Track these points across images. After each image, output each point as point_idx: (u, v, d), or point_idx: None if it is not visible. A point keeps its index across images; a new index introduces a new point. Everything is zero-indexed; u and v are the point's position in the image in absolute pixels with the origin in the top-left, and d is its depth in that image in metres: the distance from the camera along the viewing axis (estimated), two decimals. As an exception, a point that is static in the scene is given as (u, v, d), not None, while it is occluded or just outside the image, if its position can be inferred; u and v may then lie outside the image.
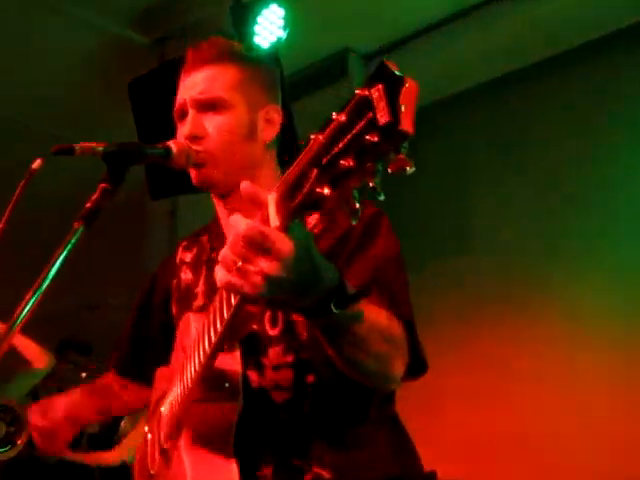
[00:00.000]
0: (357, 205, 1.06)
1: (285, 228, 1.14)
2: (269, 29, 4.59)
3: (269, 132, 1.85)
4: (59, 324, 7.98)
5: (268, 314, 1.62)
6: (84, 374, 5.65)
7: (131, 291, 6.80)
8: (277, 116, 1.88)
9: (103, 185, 1.53)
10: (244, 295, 1.19)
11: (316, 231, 1.24)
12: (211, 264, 1.79)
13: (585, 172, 4.75)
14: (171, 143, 1.70)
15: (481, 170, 5.28)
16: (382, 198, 1.03)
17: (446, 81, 5.35)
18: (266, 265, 1.14)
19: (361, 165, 1.01)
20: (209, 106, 1.77)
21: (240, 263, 1.16)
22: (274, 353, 1.58)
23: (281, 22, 4.58)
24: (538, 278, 4.74)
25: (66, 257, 1.45)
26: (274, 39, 4.60)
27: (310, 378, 1.57)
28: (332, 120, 1.06)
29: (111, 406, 2.09)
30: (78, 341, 5.50)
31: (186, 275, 1.91)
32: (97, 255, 7.05)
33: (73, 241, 1.46)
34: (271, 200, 1.15)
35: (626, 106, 4.70)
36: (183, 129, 1.79)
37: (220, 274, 1.19)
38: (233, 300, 1.31)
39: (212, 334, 1.41)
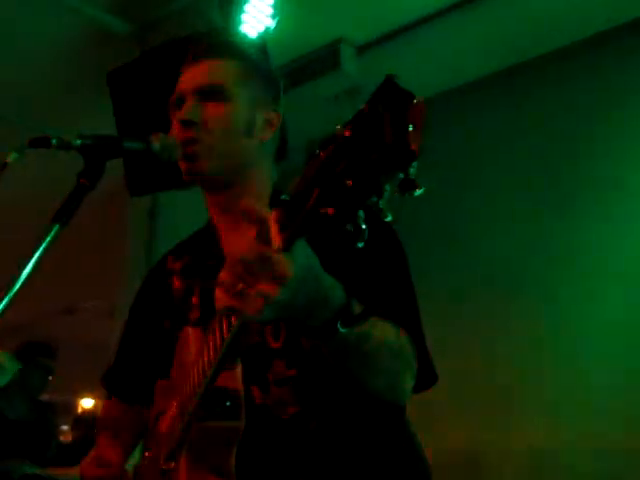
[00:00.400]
0: (363, 226, 1.04)
1: (287, 248, 1.13)
2: (257, 18, 4.51)
3: (266, 132, 1.85)
4: (36, 329, 7.97)
5: (270, 327, 1.61)
6: (50, 377, 5.62)
7: (109, 295, 6.80)
8: (277, 120, 1.89)
9: (80, 180, 1.51)
10: (245, 318, 1.20)
11: None
12: (206, 272, 1.77)
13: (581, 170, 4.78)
14: (152, 137, 1.68)
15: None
16: (389, 219, 1.01)
17: (441, 75, 5.36)
18: (267, 288, 1.13)
19: (367, 185, 0.99)
20: (210, 94, 1.76)
21: (240, 286, 1.15)
22: (277, 367, 1.57)
23: (270, 10, 4.51)
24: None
25: (41, 256, 1.43)
26: (262, 28, 4.53)
27: (315, 392, 1.56)
28: (336, 136, 1.03)
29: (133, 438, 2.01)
30: (42, 344, 5.46)
31: (177, 285, 1.88)
32: (74, 258, 7.05)
33: (49, 239, 1.43)
34: (272, 219, 1.14)
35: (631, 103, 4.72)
36: (179, 113, 1.78)
37: (220, 297, 1.19)
38: (234, 320, 1.30)
39: (212, 354, 1.39)
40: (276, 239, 1.12)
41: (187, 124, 1.74)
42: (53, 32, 5.14)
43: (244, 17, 4.51)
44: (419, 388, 1.54)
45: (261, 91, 1.85)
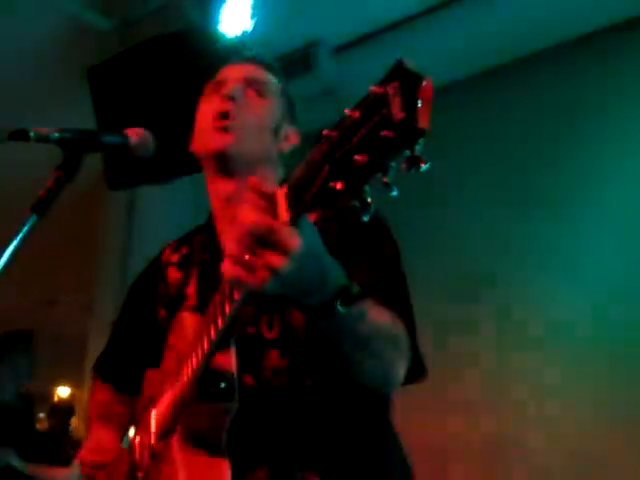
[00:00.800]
0: (369, 200, 1.06)
1: (294, 223, 1.15)
2: (236, 18, 4.54)
3: (286, 145, 1.89)
4: (17, 321, 7.91)
5: (265, 318, 1.61)
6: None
7: (87, 288, 6.75)
8: (295, 139, 1.93)
9: (58, 172, 1.52)
10: (250, 289, 1.21)
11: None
12: (204, 266, 1.78)
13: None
14: (130, 132, 1.68)
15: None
16: (395, 194, 1.03)
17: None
18: (274, 260, 1.15)
19: (375, 161, 1.01)
20: (254, 84, 1.82)
21: (247, 257, 1.17)
22: (270, 357, 1.58)
23: (249, 11, 4.54)
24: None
25: (18, 247, 1.43)
26: (241, 28, 4.54)
27: (307, 382, 1.57)
28: (345, 116, 1.06)
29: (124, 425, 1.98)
30: (25, 332, 5.45)
31: (173, 275, 1.89)
32: (53, 251, 7.01)
33: (25, 230, 1.44)
34: (280, 195, 1.16)
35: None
36: (223, 88, 1.82)
37: (227, 267, 1.20)
38: (235, 297, 1.31)
39: (212, 332, 1.40)
40: (284, 214, 1.15)
41: (229, 98, 1.78)
42: (36, 28, 5.11)
43: (222, 17, 4.53)
44: (408, 380, 1.55)
45: (287, 110, 1.92)
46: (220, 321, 1.37)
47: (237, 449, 1.50)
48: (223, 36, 4.52)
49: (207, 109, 1.83)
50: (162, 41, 4.67)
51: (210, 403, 1.47)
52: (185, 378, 1.50)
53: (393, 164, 1.02)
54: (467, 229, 4.98)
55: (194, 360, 1.46)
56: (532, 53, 5.12)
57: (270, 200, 1.17)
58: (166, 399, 1.60)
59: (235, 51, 4.47)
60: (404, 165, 1.00)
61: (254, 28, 4.57)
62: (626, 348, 4.22)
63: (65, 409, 7.57)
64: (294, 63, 5.29)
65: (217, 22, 4.53)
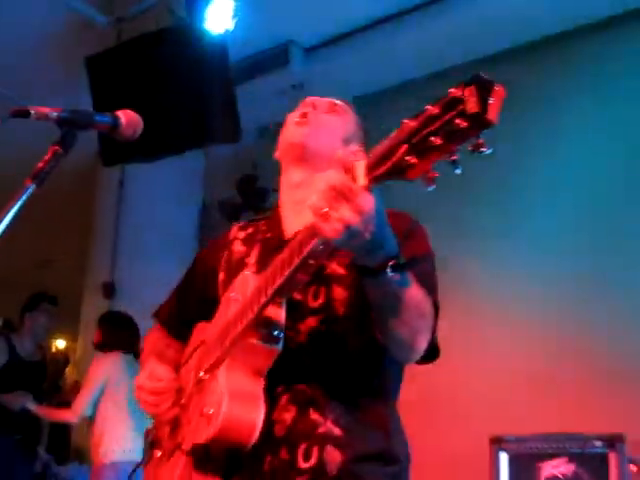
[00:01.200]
0: (435, 174, 1.14)
1: (369, 189, 1.22)
2: (219, 17, 4.50)
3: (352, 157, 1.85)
4: (15, 282, 7.83)
5: (312, 288, 1.63)
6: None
7: (83, 250, 6.70)
8: (361, 156, 1.90)
9: (55, 147, 1.51)
10: (323, 238, 1.27)
11: None
12: (266, 242, 1.79)
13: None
14: (121, 113, 1.66)
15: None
16: (459, 171, 1.11)
17: (378, 76, 5.37)
18: (348, 215, 1.21)
19: (447, 144, 1.09)
20: (333, 105, 1.85)
21: (326, 210, 1.23)
22: (311, 322, 1.60)
23: (231, 11, 4.51)
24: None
25: (17, 213, 1.41)
26: (224, 27, 4.51)
27: (339, 348, 1.59)
28: (425, 110, 1.12)
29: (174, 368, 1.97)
30: (45, 293, 5.44)
31: (238, 248, 1.88)
32: (53, 217, 6.95)
33: (24, 198, 1.42)
34: (360, 165, 1.23)
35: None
36: (299, 110, 1.84)
37: (309, 216, 1.27)
38: (303, 250, 1.35)
39: (269, 289, 1.44)
40: (362, 180, 1.22)
41: (310, 105, 1.83)
42: (38, 20, 5.02)
43: (208, 15, 4.50)
44: (422, 359, 1.58)
45: (359, 135, 1.88)
46: (278, 279, 1.42)
47: (270, 392, 1.53)
48: (208, 33, 4.48)
49: (292, 115, 1.86)
50: (153, 37, 4.65)
51: (263, 344, 1.49)
52: (241, 322, 1.52)
53: (460, 147, 1.10)
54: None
55: (253, 308, 1.48)
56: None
57: (351, 171, 1.24)
58: (218, 340, 1.61)
59: (217, 48, 4.46)
60: (471, 148, 1.09)
61: (235, 27, 4.53)
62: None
63: (61, 359, 7.56)
64: (269, 60, 5.30)
65: (202, 20, 4.48)
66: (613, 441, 3.53)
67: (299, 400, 1.55)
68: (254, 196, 5.95)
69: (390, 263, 1.34)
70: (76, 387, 5.36)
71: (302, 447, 1.51)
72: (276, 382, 1.54)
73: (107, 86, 4.69)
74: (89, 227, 6.51)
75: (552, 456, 3.64)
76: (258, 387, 1.49)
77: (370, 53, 5.14)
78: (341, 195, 1.22)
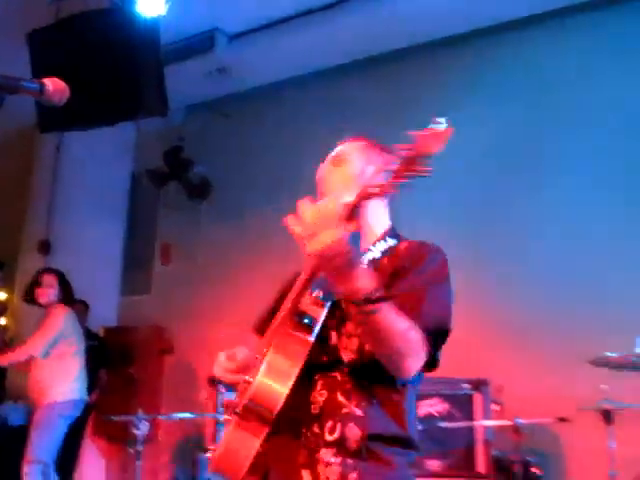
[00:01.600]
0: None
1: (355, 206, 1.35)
2: (151, 2, 4.31)
3: (372, 178, 1.81)
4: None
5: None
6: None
7: (20, 210, 6.39)
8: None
9: (-17, 109, 1.44)
10: (307, 252, 1.35)
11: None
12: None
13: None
14: (48, 80, 1.59)
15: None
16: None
17: (294, 65, 5.31)
18: (322, 239, 1.32)
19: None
20: (336, 162, 1.84)
21: (310, 231, 1.34)
22: (350, 325, 1.65)
23: (163, -2, 4.36)
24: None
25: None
26: (155, 12, 4.33)
27: (368, 348, 1.63)
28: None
29: None
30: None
31: None
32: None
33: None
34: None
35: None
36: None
37: (298, 234, 1.37)
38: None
39: (304, 276, 1.54)
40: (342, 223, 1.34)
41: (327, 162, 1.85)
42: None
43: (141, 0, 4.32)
44: (424, 369, 1.60)
45: (376, 153, 1.83)
46: (304, 276, 1.53)
47: (305, 375, 1.60)
48: (141, 16, 4.33)
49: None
50: (89, 16, 4.48)
51: (294, 332, 1.58)
52: (284, 311, 1.61)
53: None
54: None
55: (291, 300, 1.58)
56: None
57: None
58: (271, 329, 1.71)
59: (150, 30, 4.33)
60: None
61: (167, 12, 4.38)
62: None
63: (0, 309, 7.34)
64: (197, 44, 5.20)
65: (135, 4, 4.32)
66: (479, 385, 3.75)
67: (330, 386, 1.65)
68: (179, 166, 5.86)
69: (363, 295, 1.40)
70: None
71: (329, 423, 1.60)
72: (315, 371, 1.64)
73: (46, 60, 4.47)
74: (27, 189, 6.27)
75: (427, 397, 3.82)
76: (292, 369, 1.56)
77: (291, 41, 5.09)
78: (322, 223, 1.33)
